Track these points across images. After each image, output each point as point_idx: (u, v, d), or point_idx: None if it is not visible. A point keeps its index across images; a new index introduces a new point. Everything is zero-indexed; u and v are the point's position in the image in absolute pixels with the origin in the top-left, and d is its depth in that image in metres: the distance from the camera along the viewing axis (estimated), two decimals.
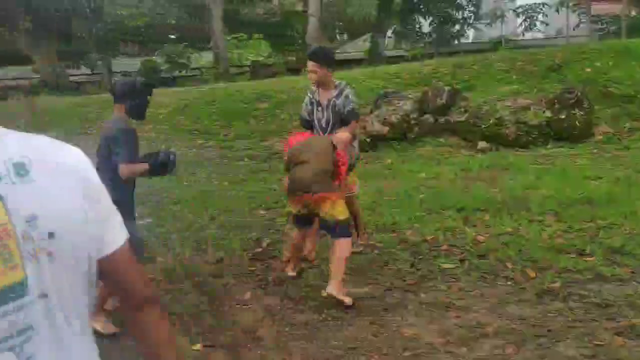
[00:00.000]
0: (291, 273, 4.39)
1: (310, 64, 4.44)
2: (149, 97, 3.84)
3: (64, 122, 12.86)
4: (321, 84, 4.48)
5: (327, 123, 4.49)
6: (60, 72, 23.50)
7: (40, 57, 23.08)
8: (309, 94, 4.67)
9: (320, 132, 4.53)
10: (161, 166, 3.77)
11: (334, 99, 4.47)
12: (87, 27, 25.25)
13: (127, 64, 29.00)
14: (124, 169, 3.51)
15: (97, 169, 3.06)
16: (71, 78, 24.92)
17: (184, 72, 23.61)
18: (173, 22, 30.53)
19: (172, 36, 30.98)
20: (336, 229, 3.89)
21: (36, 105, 14.26)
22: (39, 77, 23.15)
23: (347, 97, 4.46)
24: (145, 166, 3.67)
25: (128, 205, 3.70)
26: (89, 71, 26.52)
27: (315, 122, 4.57)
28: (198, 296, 4.16)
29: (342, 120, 4.43)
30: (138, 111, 3.79)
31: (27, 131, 1.07)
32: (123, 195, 3.52)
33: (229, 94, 12.77)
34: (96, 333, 3.21)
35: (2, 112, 14.15)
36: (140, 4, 29.32)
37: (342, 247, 3.88)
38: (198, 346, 3.38)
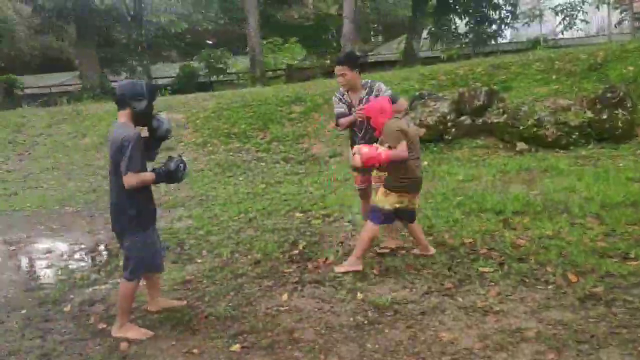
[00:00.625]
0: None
1: (338, 69, 4.70)
2: (152, 101, 3.71)
3: (103, 127, 13.22)
4: (351, 86, 4.71)
5: (362, 122, 4.65)
6: (102, 78, 24.12)
7: (83, 63, 23.73)
8: (337, 95, 4.85)
9: (355, 131, 4.78)
10: (169, 174, 3.73)
11: (366, 97, 4.70)
12: (128, 34, 25.90)
13: (166, 70, 29.64)
14: (128, 179, 3.52)
15: (113, 175, 3.21)
16: (113, 84, 25.57)
17: (221, 77, 23.95)
18: (210, 27, 31.02)
19: (210, 42, 31.51)
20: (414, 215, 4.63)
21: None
22: (81, 84, 23.81)
23: (379, 89, 4.73)
24: (151, 175, 3.65)
25: (150, 213, 3.78)
26: (128, 76, 27.18)
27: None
28: (236, 297, 4.22)
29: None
30: (142, 118, 3.70)
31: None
32: (140, 203, 3.67)
33: (265, 98, 12.89)
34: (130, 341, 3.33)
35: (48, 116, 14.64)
36: (179, 11, 29.85)
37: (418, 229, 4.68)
38: (236, 347, 3.43)
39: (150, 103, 3.67)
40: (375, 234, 4.52)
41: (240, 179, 8.90)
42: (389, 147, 4.22)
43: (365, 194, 5.04)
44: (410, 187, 4.40)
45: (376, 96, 4.71)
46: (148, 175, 3.64)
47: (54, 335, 3.91)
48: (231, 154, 10.64)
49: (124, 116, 3.65)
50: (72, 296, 4.65)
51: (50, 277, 5.26)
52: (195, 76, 23.00)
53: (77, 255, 5.91)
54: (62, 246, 6.31)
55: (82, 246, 6.19)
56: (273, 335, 3.58)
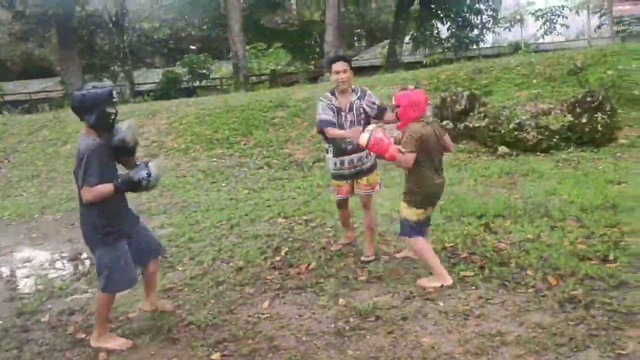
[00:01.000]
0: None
1: (342, 65, 4.59)
2: (106, 109, 3.50)
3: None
4: (347, 87, 4.63)
5: (352, 125, 4.61)
6: (84, 84, 23.93)
7: (65, 70, 23.53)
8: (324, 100, 4.70)
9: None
10: (130, 184, 3.55)
11: (356, 101, 4.64)
12: (111, 40, 25.73)
13: (149, 75, 29.48)
14: (84, 193, 3.44)
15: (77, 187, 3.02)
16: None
17: (204, 82, 23.88)
18: (194, 33, 30.94)
19: (193, 47, 31.39)
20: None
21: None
22: (63, 90, 23.60)
23: (370, 95, 4.71)
24: (109, 187, 3.48)
25: (115, 229, 3.62)
26: (110, 83, 26.99)
27: (337, 127, 4.63)
28: (217, 305, 4.19)
29: (373, 116, 4.66)
30: (101, 123, 3.51)
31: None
32: (102, 218, 3.56)
33: (248, 103, 12.85)
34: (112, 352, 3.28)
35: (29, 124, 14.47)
36: (162, 17, 29.75)
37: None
38: (216, 355, 3.40)
39: (102, 112, 3.48)
40: (419, 245, 4.25)
41: (223, 185, 8.85)
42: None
43: (344, 204, 5.02)
44: (423, 200, 4.17)
45: (371, 103, 4.66)
46: (106, 188, 3.47)
47: (32, 345, 3.85)
48: (214, 159, 10.58)
49: (84, 126, 3.56)
50: (50, 306, 4.58)
51: (29, 286, 5.19)
52: (178, 82, 22.89)
53: (56, 264, 5.84)
54: (41, 255, 6.23)
55: (62, 255, 6.11)
56: (254, 343, 3.56)
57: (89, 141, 3.49)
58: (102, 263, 3.60)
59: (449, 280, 4.12)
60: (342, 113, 4.63)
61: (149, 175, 3.57)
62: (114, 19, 23.88)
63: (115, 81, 26.80)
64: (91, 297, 4.62)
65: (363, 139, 3.95)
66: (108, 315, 3.76)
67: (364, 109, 4.65)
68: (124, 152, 3.73)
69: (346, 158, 4.71)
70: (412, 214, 4.16)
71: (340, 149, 4.68)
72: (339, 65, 4.60)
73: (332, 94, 4.72)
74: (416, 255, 4.44)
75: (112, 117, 3.55)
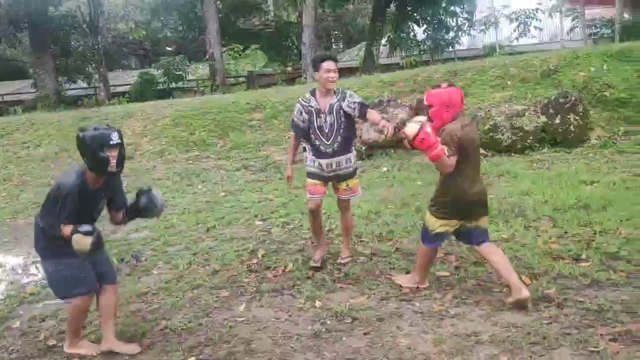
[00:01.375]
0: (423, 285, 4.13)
1: (334, 65, 4.49)
2: (108, 149, 3.33)
3: (58, 136, 12.89)
4: (334, 86, 4.52)
5: (332, 128, 4.50)
6: (58, 86, 23.56)
7: (38, 72, 23.14)
8: (302, 102, 4.60)
9: (322, 138, 4.53)
10: (87, 234, 3.30)
11: (337, 102, 4.52)
12: (85, 41, 25.38)
13: (125, 77, 29.14)
14: (64, 231, 3.30)
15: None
16: (68, 92, 25.02)
17: (180, 84, 23.69)
18: (170, 35, 30.70)
19: (169, 49, 31.14)
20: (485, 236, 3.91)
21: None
22: (36, 92, 23.21)
23: (351, 95, 4.59)
24: (66, 231, 3.29)
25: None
26: (85, 85, 26.62)
27: (316, 129, 4.53)
28: (192, 309, 4.14)
29: (356, 115, 4.53)
30: (97, 168, 3.39)
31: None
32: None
33: (225, 105, 12.79)
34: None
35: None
36: (138, 18, 29.45)
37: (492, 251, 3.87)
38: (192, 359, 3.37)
39: (97, 156, 3.33)
40: (427, 255, 3.99)
41: (200, 187, 8.78)
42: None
43: (317, 208, 4.71)
44: (450, 210, 3.75)
45: (352, 103, 4.50)
46: (65, 230, 3.30)
47: (2, 353, 3.76)
48: (190, 162, 10.51)
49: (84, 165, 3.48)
50: (21, 312, 4.49)
51: (0, 292, 5.06)
52: (154, 83, 22.66)
53: (28, 270, 5.72)
54: (13, 260, 6.10)
55: (34, 260, 5.98)
56: (230, 346, 3.53)
57: (72, 180, 3.39)
58: (49, 272, 3.53)
59: (425, 284, 4.08)
60: (322, 115, 4.51)
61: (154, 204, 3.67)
62: (88, 20, 23.55)
63: (90, 83, 26.45)
64: (64, 303, 4.53)
65: (411, 129, 3.59)
66: (79, 324, 3.66)
67: (344, 111, 4.51)
68: (136, 214, 3.78)
69: (324, 161, 4.56)
70: (433, 223, 3.82)
71: (319, 150, 4.56)
72: (330, 64, 4.45)
73: (312, 94, 4.60)
74: (419, 258, 4.08)
75: (111, 164, 3.36)
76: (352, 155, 4.65)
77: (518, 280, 3.67)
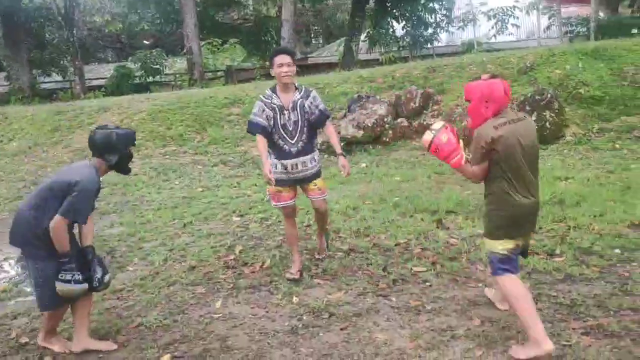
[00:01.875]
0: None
1: (285, 58, 4.20)
2: (130, 148, 3.52)
3: (32, 130, 12.65)
4: (289, 81, 4.25)
5: (296, 126, 4.26)
6: (32, 80, 23.11)
7: (11, 65, 22.67)
8: (263, 99, 4.31)
9: (286, 137, 4.26)
10: (82, 265, 3.35)
11: (300, 100, 4.28)
12: (60, 34, 24.94)
13: (101, 70, 28.71)
14: (58, 222, 3.20)
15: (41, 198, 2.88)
16: (42, 85, 24.58)
17: (158, 78, 23.42)
18: (147, 28, 30.30)
19: (146, 42, 30.75)
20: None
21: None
22: (9, 85, 22.75)
23: (315, 97, 4.37)
24: (66, 239, 3.27)
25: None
26: (60, 78, 26.16)
27: (280, 128, 4.26)
28: (168, 306, 4.10)
29: (312, 121, 4.30)
30: (122, 166, 3.51)
31: None
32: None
33: (203, 100, 12.68)
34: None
35: None
36: (114, 11, 29.01)
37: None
38: (166, 357, 3.33)
39: (125, 154, 3.47)
40: (509, 287, 3.12)
41: (176, 182, 8.69)
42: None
43: (291, 212, 4.50)
44: (509, 226, 3.11)
45: (314, 106, 4.30)
46: (65, 235, 3.26)
47: None
48: (167, 157, 10.39)
49: (96, 161, 3.45)
50: None
51: None
52: (130, 77, 22.37)
53: (0, 267, 5.60)
54: None
55: (6, 257, 5.87)
56: (206, 343, 3.50)
57: (94, 177, 3.35)
58: (46, 274, 3.31)
59: (549, 346, 2.92)
60: (285, 112, 4.25)
61: (101, 279, 3.44)
62: (63, 12, 23.11)
63: (65, 76, 26.00)
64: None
65: (426, 136, 3.24)
66: (56, 325, 3.61)
67: (307, 110, 4.29)
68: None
69: (289, 162, 4.29)
70: (496, 245, 3.15)
71: (283, 151, 4.29)
72: (281, 58, 4.19)
73: (273, 91, 4.32)
74: (505, 301, 3.40)
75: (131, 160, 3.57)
76: (316, 154, 4.44)
77: (540, 326, 3.02)
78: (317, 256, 4.82)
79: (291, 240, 4.59)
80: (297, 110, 4.28)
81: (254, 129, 4.29)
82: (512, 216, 3.09)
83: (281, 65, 4.19)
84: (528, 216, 3.16)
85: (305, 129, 4.30)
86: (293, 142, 4.29)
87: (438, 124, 3.28)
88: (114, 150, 3.40)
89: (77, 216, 3.28)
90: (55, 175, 3.50)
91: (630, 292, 3.72)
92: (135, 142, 3.58)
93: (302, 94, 4.33)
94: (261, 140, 4.25)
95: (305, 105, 4.30)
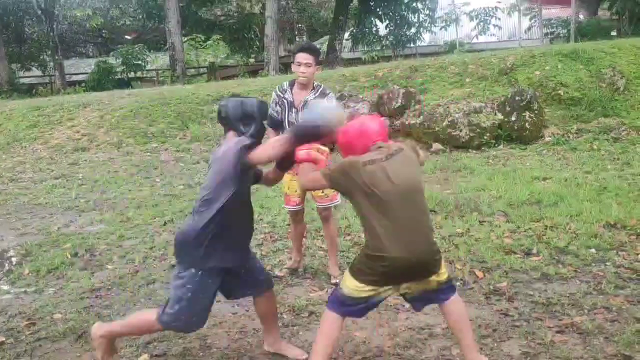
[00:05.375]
0: None
1: (306, 57, 4.01)
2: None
3: (11, 126, 12.47)
4: (307, 82, 4.10)
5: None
6: (11, 74, 22.77)
7: None
8: (278, 93, 4.21)
9: None
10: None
11: (312, 100, 4.06)
12: (40, 28, 24.60)
13: (82, 66, 28.37)
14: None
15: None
16: (22, 80, 24.24)
17: (139, 74, 23.23)
18: (129, 23, 30.02)
19: (128, 37, 30.45)
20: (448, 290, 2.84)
21: None
22: None
23: (330, 99, 4.15)
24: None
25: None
26: (40, 73, 25.82)
27: (287, 125, 4.09)
28: (147, 304, 4.08)
29: None
30: (260, 136, 2.98)
31: None
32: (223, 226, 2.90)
33: (185, 96, 12.61)
34: None
35: None
36: (95, 5, 28.66)
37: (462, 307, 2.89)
38: (144, 357, 3.32)
39: (262, 125, 3.00)
40: (329, 322, 2.78)
41: (157, 180, 8.64)
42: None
43: (297, 217, 4.39)
44: (382, 274, 2.60)
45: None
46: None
47: None
48: (148, 154, 10.32)
49: (232, 135, 2.96)
50: None
51: None
52: (112, 73, 22.16)
53: None
54: None
55: None
56: (185, 342, 3.49)
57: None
58: (185, 288, 2.86)
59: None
60: (294, 109, 4.11)
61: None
62: (42, 5, 22.79)
63: (44, 71, 25.66)
64: (14, 299, 4.41)
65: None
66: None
67: None
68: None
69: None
70: (349, 284, 2.70)
71: None
72: (300, 57, 4.03)
73: (290, 85, 4.20)
74: (319, 331, 2.85)
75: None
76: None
77: None
78: (332, 281, 4.26)
79: (292, 238, 4.58)
80: None
81: (270, 124, 4.13)
82: (380, 266, 2.60)
83: (299, 64, 4.03)
84: (407, 268, 2.61)
85: None
86: None
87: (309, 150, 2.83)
88: (257, 120, 2.96)
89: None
90: None
91: (604, 291, 3.80)
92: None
93: (316, 94, 4.12)
94: (271, 134, 4.10)
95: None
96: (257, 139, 2.92)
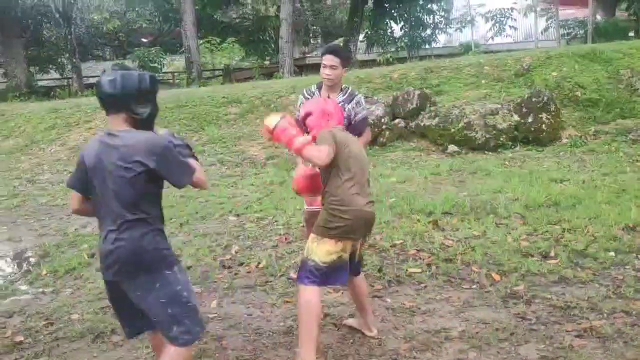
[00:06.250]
0: None
1: (331, 59, 3.95)
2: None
3: (29, 128, 12.63)
4: (334, 84, 4.04)
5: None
6: (29, 77, 23.09)
7: (8, 61, 22.63)
8: (305, 94, 4.19)
9: None
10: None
11: (341, 103, 3.98)
12: (58, 31, 24.92)
13: (98, 68, 28.62)
14: (197, 175, 2.61)
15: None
16: (40, 83, 24.56)
17: (155, 76, 23.42)
18: (145, 26, 30.29)
19: (144, 40, 30.72)
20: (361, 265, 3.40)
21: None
22: (6, 82, 22.70)
23: (359, 103, 4.10)
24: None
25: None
26: (58, 75, 26.13)
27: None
28: None
29: (349, 128, 3.91)
30: (154, 117, 2.61)
31: None
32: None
33: (201, 98, 12.68)
34: None
35: None
36: (112, 8, 28.96)
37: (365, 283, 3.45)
38: None
39: (155, 102, 2.62)
40: (310, 300, 2.99)
41: None
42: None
43: (311, 218, 4.24)
44: (348, 227, 2.99)
45: (354, 108, 4.01)
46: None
47: None
48: None
49: (123, 121, 2.52)
50: None
51: None
52: None
53: None
54: None
55: (1, 254, 5.87)
56: (201, 343, 3.50)
57: (158, 134, 2.58)
58: (183, 290, 2.57)
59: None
60: None
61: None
62: (60, 9, 23.08)
63: (62, 74, 25.97)
64: (32, 299, 4.46)
65: (270, 120, 3.05)
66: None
67: (347, 114, 3.96)
68: None
69: None
70: (319, 252, 3.01)
71: None
72: (326, 59, 3.97)
73: (318, 88, 4.17)
74: (300, 313, 3.05)
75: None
76: None
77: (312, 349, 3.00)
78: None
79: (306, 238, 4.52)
80: None
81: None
82: (347, 220, 2.99)
83: (325, 66, 3.98)
84: (366, 220, 3.11)
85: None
86: None
87: (276, 117, 3.07)
88: (147, 98, 2.56)
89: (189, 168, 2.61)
90: None
91: (623, 295, 3.74)
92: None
93: (345, 96, 4.07)
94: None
95: (346, 110, 4.00)
96: (152, 120, 2.59)
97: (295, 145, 2.97)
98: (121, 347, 3.53)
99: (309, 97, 4.13)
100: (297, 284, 3.15)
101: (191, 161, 2.61)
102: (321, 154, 2.93)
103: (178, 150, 2.57)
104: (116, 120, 2.53)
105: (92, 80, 24.86)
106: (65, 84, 25.18)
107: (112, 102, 2.51)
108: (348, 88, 4.18)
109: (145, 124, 2.57)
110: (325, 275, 3.02)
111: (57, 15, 23.48)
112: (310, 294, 2.99)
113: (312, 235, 3.10)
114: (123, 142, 2.45)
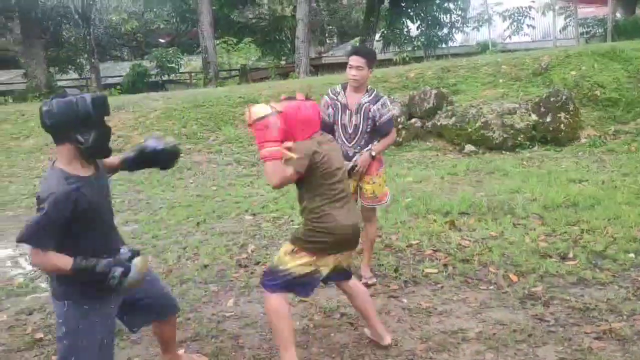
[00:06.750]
0: None
1: (357, 60, 3.94)
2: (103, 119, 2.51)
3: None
4: (359, 85, 4.02)
5: (356, 129, 4.04)
6: (49, 77, 23.39)
7: (29, 62, 22.95)
8: (330, 95, 4.14)
9: (344, 139, 4.05)
10: (95, 274, 2.41)
11: (367, 104, 4.02)
12: (77, 32, 25.23)
13: (117, 69, 28.96)
14: (33, 256, 2.38)
15: None
16: (59, 83, 24.88)
17: (173, 77, 23.59)
18: (163, 26, 30.53)
19: (162, 40, 30.97)
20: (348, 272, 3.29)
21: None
22: (26, 82, 23.03)
23: (384, 104, 4.08)
24: (67, 262, 2.36)
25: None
26: (76, 76, 26.45)
27: (340, 127, 4.07)
28: (180, 304, 4.13)
29: (375, 128, 4.05)
30: (101, 146, 2.50)
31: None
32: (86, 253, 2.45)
33: (217, 98, 12.75)
34: None
35: None
36: (130, 9, 29.24)
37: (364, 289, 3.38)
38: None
39: (102, 128, 2.45)
40: (278, 308, 2.95)
41: (190, 181, 8.76)
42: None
43: None
44: (328, 244, 2.92)
45: (379, 110, 4.01)
46: (62, 262, 2.35)
47: None
48: (181, 155, 10.45)
49: (64, 155, 2.39)
50: (8, 305, 4.45)
51: None
52: (146, 75, 22.56)
53: (16, 262, 5.68)
54: (0, 252, 6.05)
55: (22, 252, 5.95)
56: (218, 342, 3.53)
57: (61, 185, 2.34)
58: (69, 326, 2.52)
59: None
60: (348, 111, 4.03)
61: (125, 273, 2.44)
62: (80, 10, 23.36)
63: (81, 74, 26.29)
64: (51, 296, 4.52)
65: (258, 110, 2.83)
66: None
67: (371, 116, 4.02)
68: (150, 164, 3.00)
69: (349, 163, 3.99)
70: (290, 262, 2.97)
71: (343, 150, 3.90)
72: (352, 59, 3.95)
73: (343, 88, 4.13)
74: (271, 321, 3.03)
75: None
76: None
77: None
78: (363, 281, 4.17)
79: None
80: (360, 113, 4.02)
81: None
82: (327, 238, 2.91)
83: (351, 67, 3.98)
84: (348, 238, 3.00)
85: (365, 135, 4.05)
86: (350, 145, 4.06)
87: (266, 108, 2.85)
88: (86, 125, 2.37)
89: (41, 240, 2.37)
90: None
91: None
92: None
93: (370, 98, 4.05)
94: None
95: (371, 111, 4.01)
96: (99, 150, 2.47)
97: (262, 153, 2.81)
98: (139, 344, 3.57)
99: (334, 97, 4.11)
100: (263, 291, 3.07)
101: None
102: (275, 176, 2.80)
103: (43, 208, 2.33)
104: (61, 152, 2.40)
105: (110, 81, 25.17)
106: (84, 84, 25.47)
107: (53, 134, 2.37)
108: (373, 90, 4.14)
109: (93, 152, 2.44)
110: (291, 284, 2.97)
111: (77, 16, 23.78)
112: (277, 302, 2.95)
113: (288, 244, 3.01)
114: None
